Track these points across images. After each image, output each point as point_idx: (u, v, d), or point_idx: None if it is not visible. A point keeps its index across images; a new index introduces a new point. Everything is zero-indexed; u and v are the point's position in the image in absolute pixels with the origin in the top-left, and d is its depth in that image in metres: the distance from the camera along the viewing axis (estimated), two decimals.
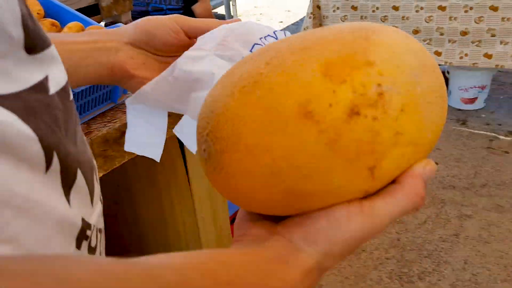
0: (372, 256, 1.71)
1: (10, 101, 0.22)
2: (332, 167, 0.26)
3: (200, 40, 0.43)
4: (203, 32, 0.44)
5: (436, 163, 1.87)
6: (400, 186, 0.28)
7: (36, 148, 0.23)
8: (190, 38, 0.45)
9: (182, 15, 0.45)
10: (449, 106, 2.56)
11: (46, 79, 0.25)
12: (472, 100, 2.69)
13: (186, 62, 0.42)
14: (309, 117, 0.25)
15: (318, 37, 0.28)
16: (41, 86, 0.25)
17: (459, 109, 2.69)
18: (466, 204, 1.94)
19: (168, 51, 0.45)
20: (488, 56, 2.38)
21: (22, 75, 0.23)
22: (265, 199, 0.28)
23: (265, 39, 0.42)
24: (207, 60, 0.41)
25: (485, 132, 2.47)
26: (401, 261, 1.68)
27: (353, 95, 0.25)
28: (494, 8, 2.28)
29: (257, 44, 0.42)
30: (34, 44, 0.24)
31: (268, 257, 0.26)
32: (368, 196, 0.28)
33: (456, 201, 1.97)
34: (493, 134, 2.44)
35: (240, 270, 0.24)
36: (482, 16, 2.31)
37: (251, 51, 0.42)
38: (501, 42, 2.33)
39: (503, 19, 2.27)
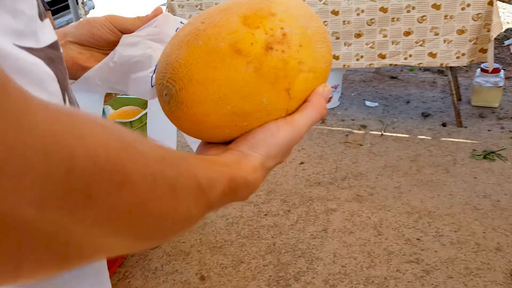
0: (250, 266, 1.72)
1: (37, 52, 0.29)
2: (261, 89, 0.37)
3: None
4: (130, 29, 0.52)
5: (302, 163, 1.92)
6: (309, 103, 0.40)
7: (56, 88, 0.30)
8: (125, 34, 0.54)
9: (115, 15, 0.53)
10: None
11: (57, 41, 0.32)
12: (328, 100, 2.89)
13: (125, 49, 0.50)
14: (239, 53, 0.36)
15: (234, 1, 0.39)
16: (55, 45, 0.32)
17: None
18: (330, 199, 2.06)
19: (108, 46, 0.53)
20: (335, 57, 2.57)
21: (42, 36, 0.30)
22: (216, 121, 0.38)
23: (181, 24, 0.54)
24: (142, 44, 0.50)
25: (341, 128, 2.66)
26: (278, 265, 1.71)
27: (266, 35, 0.36)
28: (335, 13, 2.47)
29: (178, 27, 0.52)
30: (41, 12, 0.30)
31: (226, 160, 0.37)
32: (289, 114, 0.39)
33: (322, 196, 2.08)
34: (348, 129, 2.64)
35: (209, 163, 0.35)
36: (326, 21, 2.49)
37: (175, 31, 0.53)
38: (344, 44, 2.53)
39: (344, 22, 2.48)
